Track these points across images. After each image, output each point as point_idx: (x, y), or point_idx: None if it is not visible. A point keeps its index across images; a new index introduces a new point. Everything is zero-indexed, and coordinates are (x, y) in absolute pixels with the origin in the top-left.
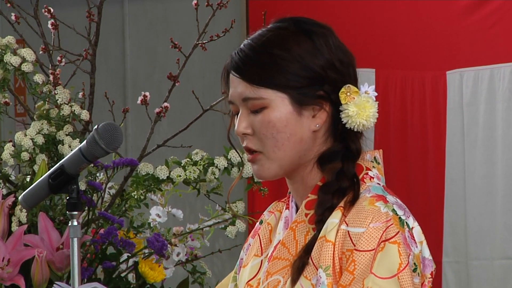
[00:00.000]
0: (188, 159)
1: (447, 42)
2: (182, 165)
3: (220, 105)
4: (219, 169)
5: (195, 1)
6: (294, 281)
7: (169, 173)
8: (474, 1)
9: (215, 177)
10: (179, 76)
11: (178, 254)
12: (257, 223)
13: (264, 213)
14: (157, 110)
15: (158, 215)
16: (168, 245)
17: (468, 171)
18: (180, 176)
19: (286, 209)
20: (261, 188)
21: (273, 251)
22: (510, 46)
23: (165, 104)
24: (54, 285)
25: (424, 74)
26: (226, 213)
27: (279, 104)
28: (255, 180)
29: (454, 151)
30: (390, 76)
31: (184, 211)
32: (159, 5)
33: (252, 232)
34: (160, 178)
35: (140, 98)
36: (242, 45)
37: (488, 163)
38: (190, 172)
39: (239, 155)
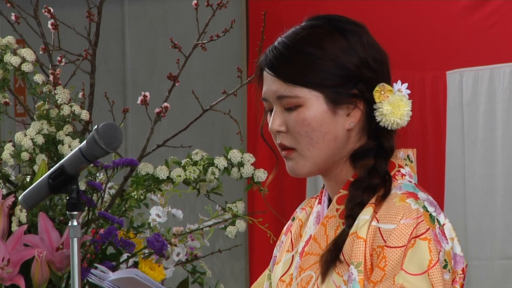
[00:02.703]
0: (188, 159)
1: (447, 42)
2: (182, 165)
3: (220, 105)
4: (219, 169)
5: (195, 1)
6: (323, 274)
7: (169, 173)
8: (474, 1)
9: (215, 177)
10: (179, 76)
11: (178, 254)
12: (290, 220)
13: (296, 210)
14: (157, 110)
15: (158, 215)
16: (168, 245)
17: (468, 171)
18: (180, 176)
19: (318, 204)
20: (261, 188)
21: (304, 246)
22: (510, 46)
23: (165, 104)
24: (92, 271)
25: (424, 74)
26: (226, 213)
27: (314, 103)
28: (255, 180)
29: (454, 151)
30: None
31: (184, 211)
32: (159, 5)
33: (284, 229)
34: (160, 178)
35: (140, 98)
36: (276, 43)
37: (488, 163)
38: (190, 172)
39: (274, 151)
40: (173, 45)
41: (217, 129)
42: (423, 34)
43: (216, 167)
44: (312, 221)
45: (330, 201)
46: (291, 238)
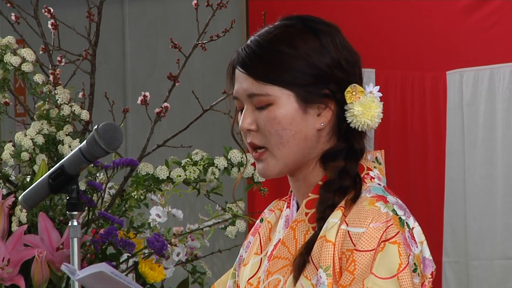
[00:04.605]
0: (188, 159)
1: (447, 42)
2: (182, 165)
3: (220, 105)
4: (219, 169)
5: (195, 1)
6: (295, 278)
7: (169, 173)
8: (474, 1)
9: (215, 177)
10: (179, 76)
11: (178, 254)
12: (258, 221)
13: (264, 211)
14: (157, 110)
15: (158, 215)
16: (168, 245)
17: (468, 171)
18: (180, 176)
19: (287, 207)
20: (261, 188)
21: (273, 250)
22: (510, 46)
23: (165, 104)
24: (64, 263)
25: (424, 74)
26: (226, 213)
27: (285, 101)
28: (255, 180)
29: (454, 151)
30: (390, 76)
31: (184, 211)
32: (159, 5)
33: (252, 229)
34: (160, 178)
35: (140, 98)
36: (249, 41)
37: (488, 163)
38: (190, 172)
39: (244, 151)
40: (173, 45)
41: (217, 129)
42: (423, 34)
43: (216, 167)
44: (282, 225)
45: (298, 205)
46: (260, 240)
